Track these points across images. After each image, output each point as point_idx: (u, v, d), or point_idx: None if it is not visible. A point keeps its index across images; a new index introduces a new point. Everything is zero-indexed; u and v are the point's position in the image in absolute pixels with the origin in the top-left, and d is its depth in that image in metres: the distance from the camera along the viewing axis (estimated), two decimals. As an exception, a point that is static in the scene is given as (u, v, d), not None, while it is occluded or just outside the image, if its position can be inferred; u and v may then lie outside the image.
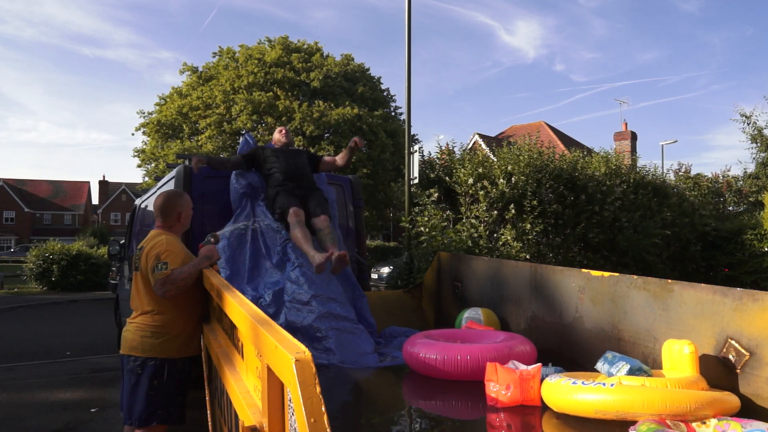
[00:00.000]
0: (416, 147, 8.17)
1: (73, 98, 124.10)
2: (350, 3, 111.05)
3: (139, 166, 24.26)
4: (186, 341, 2.99)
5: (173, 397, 2.91)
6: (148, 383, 2.85)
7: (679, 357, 2.22)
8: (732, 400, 2.05)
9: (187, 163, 4.67)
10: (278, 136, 4.55)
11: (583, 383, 2.11)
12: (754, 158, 16.86)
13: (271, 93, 20.87)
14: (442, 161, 8.63)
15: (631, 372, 2.21)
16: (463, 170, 8.02)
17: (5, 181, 54.14)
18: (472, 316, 3.61)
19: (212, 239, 3.20)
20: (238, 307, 1.80)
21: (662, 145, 24.24)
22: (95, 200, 61.16)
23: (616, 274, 2.80)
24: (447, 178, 8.22)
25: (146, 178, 24.01)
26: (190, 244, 4.29)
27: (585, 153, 9.95)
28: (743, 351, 2.16)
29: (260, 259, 4.02)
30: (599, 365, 2.36)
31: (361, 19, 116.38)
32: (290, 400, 1.22)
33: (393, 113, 24.83)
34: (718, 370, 2.24)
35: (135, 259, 3.07)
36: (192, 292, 2.96)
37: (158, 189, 5.66)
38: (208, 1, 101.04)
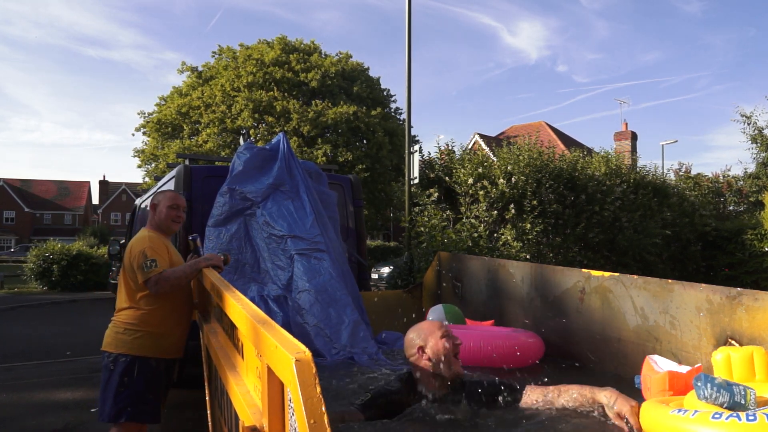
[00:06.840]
0: (416, 147, 8.17)
1: (78, 99, 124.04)
2: (354, 4, 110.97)
3: (139, 166, 24.29)
4: (162, 340, 2.94)
5: (143, 396, 2.86)
6: (119, 380, 2.83)
7: (744, 364, 1.89)
8: None
9: (187, 162, 4.66)
10: None
11: (714, 416, 1.55)
12: (754, 158, 16.85)
13: (271, 93, 20.88)
14: (442, 161, 8.63)
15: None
16: (463, 170, 8.02)
17: (6, 181, 54.15)
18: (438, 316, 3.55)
19: (222, 256, 3.18)
20: (238, 306, 1.80)
21: (662, 145, 24.28)
22: (95, 200, 61.20)
23: (617, 274, 2.80)
24: (447, 178, 8.21)
25: (146, 179, 24.02)
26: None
27: (585, 153, 9.95)
28: (743, 351, 2.16)
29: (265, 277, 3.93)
30: (708, 393, 1.66)
31: (365, 21, 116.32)
32: (290, 401, 1.22)
33: (393, 113, 24.81)
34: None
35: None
36: (174, 293, 2.96)
37: (158, 188, 5.66)
38: (214, 3, 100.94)
